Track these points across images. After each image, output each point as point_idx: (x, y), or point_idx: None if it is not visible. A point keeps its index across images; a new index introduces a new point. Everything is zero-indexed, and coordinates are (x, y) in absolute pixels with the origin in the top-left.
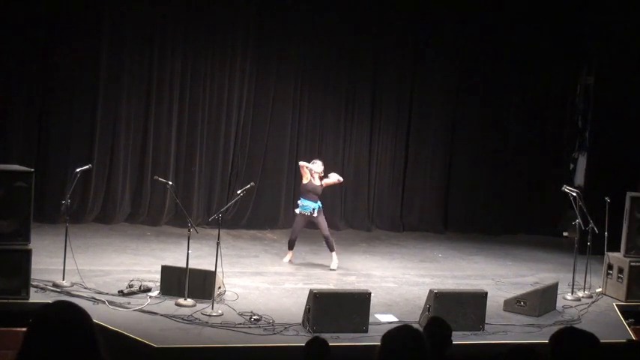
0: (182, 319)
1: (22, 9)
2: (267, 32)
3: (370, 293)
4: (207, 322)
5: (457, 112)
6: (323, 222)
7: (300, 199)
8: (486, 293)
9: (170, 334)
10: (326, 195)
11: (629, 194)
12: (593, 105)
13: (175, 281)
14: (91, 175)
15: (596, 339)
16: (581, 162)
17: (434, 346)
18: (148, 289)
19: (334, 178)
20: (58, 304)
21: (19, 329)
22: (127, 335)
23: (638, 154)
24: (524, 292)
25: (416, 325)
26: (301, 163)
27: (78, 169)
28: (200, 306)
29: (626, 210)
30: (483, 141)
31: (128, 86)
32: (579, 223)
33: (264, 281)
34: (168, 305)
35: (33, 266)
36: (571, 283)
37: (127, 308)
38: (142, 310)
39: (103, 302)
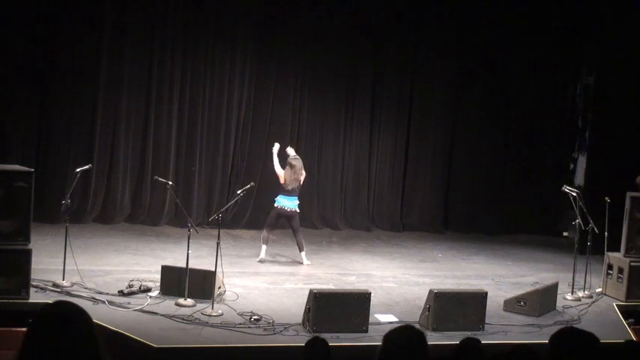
0: (182, 319)
1: (22, 9)
2: (267, 32)
3: (370, 293)
4: (207, 322)
5: (457, 112)
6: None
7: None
8: (486, 293)
9: (170, 334)
10: (326, 195)
11: (629, 194)
12: (593, 105)
13: (175, 281)
14: (91, 175)
15: (596, 339)
16: (581, 162)
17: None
18: (148, 289)
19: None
20: (59, 304)
21: (19, 329)
22: (127, 335)
23: (638, 154)
24: (524, 292)
25: (417, 326)
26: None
27: (78, 169)
28: (200, 306)
29: (626, 210)
30: (483, 141)
31: (128, 86)
32: (579, 223)
33: (264, 281)
34: (168, 305)
35: (33, 266)
36: (571, 283)
37: (127, 308)
38: (142, 310)
39: (103, 302)
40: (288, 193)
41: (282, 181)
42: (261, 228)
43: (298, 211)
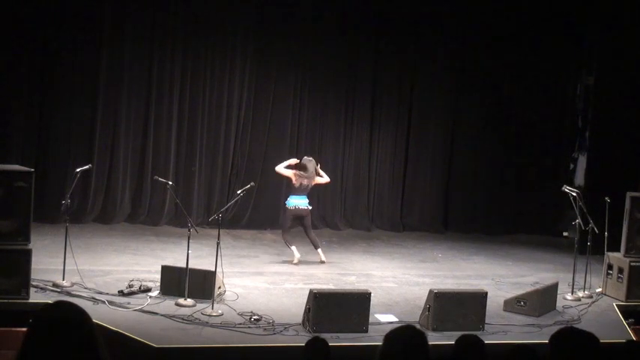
0: (182, 319)
1: (22, 9)
2: (267, 32)
3: (370, 293)
4: (207, 322)
5: (457, 112)
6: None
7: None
8: (486, 293)
9: (170, 334)
10: (326, 195)
11: (629, 194)
12: (593, 105)
13: (175, 281)
14: (91, 175)
15: (596, 339)
16: (581, 162)
17: None
18: (148, 289)
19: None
20: (59, 305)
21: (19, 329)
22: (127, 335)
23: (638, 154)
24: (524, 292)
25: (417, 326)
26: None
27: (78, 169)
28: (200, 306)
29: (626, 210)
30: (483, 141)
31: (128, 86)
32: (579, 223)
33: (264, 281)
34: (169, 305)
35: (33, 266)
36: (571, 283)
37: (127, 308)
38: (142, 310)
39: (103, 302)
40: (298, 192)
41: (294, 180)
42: (261, 228)
43: (310, 208)
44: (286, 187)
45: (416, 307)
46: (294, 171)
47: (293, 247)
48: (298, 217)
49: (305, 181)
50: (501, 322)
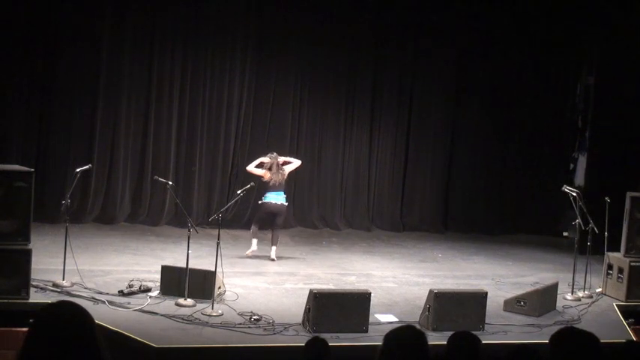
0: (182, 319)
1: (22, 9)
2: (267, 32)
3: (370, 293)
4: (207, 322)
5: (457, 113)
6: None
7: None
8: (486, 293)
9: (170, 334)
10: (326, 195)
11: (629, 194)
12: (593, 105)
13: (175, 281)
14: (91, 175)
15: (596, 339)
16: (581, 162)
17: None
18: (148, 289)
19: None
20: (61, 304)
21: (19, 329)
22: (127, 335)
23: (638, 154)
24: (524, 292)
25: (417, 326)
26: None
27: (78, 169)
28: (200, 306)
29: (626, 210)
30: (483, 141)
31: (128, 86)
32: (579, 223)
33: (264, 281)
34: (169, 305)
35: (33, 266)
36: (571, 283)
37: (127, 308)
38: (142, 310)
39: (103, 302)
40: (274, 188)
41: (266, 178)
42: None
43: (286, 204)
44: (260, 185)
45: (416, 307)
46: (264, 170)
47: (255, 240)
48: (272, 212)
49: (276, 177)
50: (501, 322)
